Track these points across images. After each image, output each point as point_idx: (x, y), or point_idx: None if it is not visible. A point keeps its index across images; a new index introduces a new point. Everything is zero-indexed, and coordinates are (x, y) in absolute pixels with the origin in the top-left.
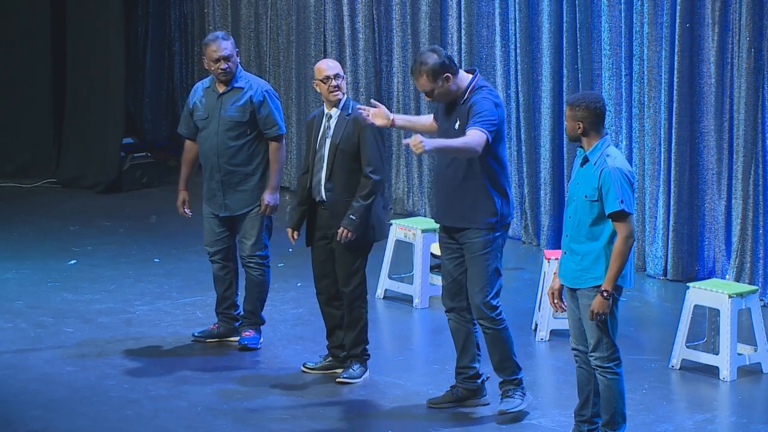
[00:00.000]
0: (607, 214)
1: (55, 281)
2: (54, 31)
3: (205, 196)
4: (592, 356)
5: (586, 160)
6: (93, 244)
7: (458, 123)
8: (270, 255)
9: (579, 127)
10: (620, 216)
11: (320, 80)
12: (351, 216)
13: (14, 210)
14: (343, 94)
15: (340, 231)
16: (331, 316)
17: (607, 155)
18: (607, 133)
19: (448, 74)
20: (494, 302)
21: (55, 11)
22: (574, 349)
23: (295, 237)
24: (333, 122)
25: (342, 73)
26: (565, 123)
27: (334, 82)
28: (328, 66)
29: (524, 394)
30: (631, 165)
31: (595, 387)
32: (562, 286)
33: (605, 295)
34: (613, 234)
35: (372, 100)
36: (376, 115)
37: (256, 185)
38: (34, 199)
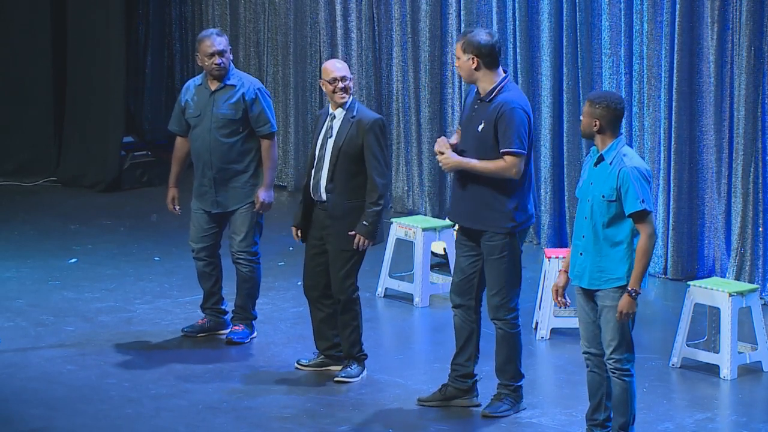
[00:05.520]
0: (628, 214)
1: (56, 280)
2: (54, 30)
3: (195, 193)
4: (611, 359)
5: (601, 159)
6: (93, 243)
7: (482, 125)
8: (260, 252)
9: (595, 125)
10: (642, 215)
11: (327, 81)
12: (364, 222)
13: (15, 209)
14: (350, 95)
15: (356, 239)
16: (315, 317)
17: (624, 155)
18: (621, 134)
19: (475, 57)
20: (511, 305)
21: (55, 10)
22: (585, 352)
23: (299, 235)
24: (336, 123)
25: (349, 75)
26: (581, 118)
27: (341, 84)
28: (336, 67)
29: (516, 403)
30: None
31: (607, 390)
32: (566, 283)
33: (633, 294)
34: (633, 234)
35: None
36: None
37: (247, 182)
38: (35, 198)
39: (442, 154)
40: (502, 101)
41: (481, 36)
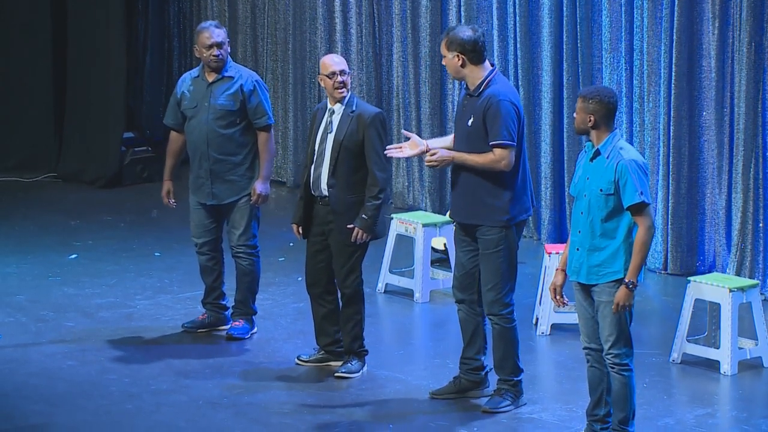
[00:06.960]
0: (626, 206)
1: (56, 275)
2: (55, 27)
3: (192, 186)
4: (610, 353)
5: (597, 153)
6: (94, 239)
7: (471, 119)
8: (259, 245)
9: (590, 120)
10: (640, 207)
11: (326, 75)
12: (363, 216)
13: (15, 204)
14: (348, 90)
15: (354, 233)
16: (317, 313)
17: (621, 148)
18: (616, 128)
19: (460, 54)
20: (506, 300)
21: (55, 10)
22: (586, 348)
23: (301, 232)
24: (336, 118)
25: (348, 69)
26: (575, 115)
27: (339, 78)
28: (333, 61)
29: (517, 398)
30: None
31: (607, 386)
32: (564, 281)
33: (630, 286)
34: (630, 228)
35: (404, 131)
36: (412, 145)
37: (244, 175)
38: (35, 194)
39: (430, 153)
40: (489, 94)
41: (464, 32)
